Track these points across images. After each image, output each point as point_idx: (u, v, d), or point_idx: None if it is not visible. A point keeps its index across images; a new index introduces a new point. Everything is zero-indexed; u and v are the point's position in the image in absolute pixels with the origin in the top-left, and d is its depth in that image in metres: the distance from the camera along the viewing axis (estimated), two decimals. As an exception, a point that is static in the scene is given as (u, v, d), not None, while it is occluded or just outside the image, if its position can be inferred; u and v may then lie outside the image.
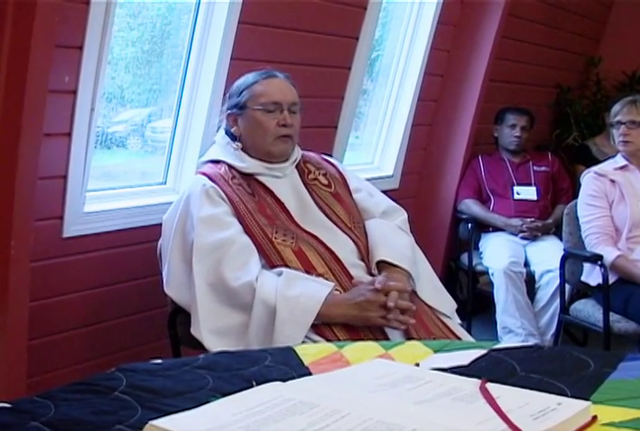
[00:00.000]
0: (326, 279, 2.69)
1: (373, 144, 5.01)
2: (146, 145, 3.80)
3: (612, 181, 3.99)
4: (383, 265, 2.81)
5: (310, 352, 1.73)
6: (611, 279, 3.84)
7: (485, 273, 4.84)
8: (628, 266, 3.81)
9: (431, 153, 5.27)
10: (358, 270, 2.79)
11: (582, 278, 4.03)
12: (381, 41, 4.97)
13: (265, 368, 1.64)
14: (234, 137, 2.94)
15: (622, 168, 4.04)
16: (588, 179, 4.05)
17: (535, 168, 5.16)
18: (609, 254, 3.83)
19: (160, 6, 3.52)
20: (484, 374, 1.55)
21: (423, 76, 4.95)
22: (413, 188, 5.15)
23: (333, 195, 2.96)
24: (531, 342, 4.52)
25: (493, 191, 5.09)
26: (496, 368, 1.67)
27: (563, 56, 6.40)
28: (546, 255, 4.58)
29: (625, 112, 4.04)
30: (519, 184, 5.07)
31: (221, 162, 2.90)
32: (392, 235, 2.94)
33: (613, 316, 3.80)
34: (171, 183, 3.62)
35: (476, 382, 1.48)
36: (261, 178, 2.87)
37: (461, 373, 1.58)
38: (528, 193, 5.05)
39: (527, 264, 4.76)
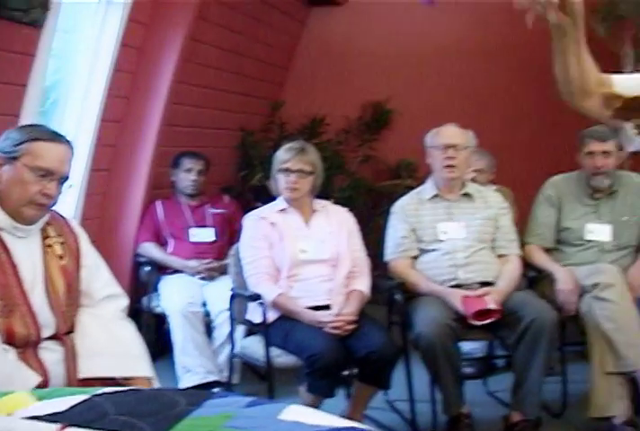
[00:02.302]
0: None
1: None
2: None
3: (272, 224, 4.18)
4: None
5: None
6: (274, 316, 4.02)
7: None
8: (288, 303, 4.01)
9: (111, 197, 5.30)
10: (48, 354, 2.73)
11: (247, 316, 4.20)
12: (58, 85, 4.95)
13: None
14: None
15: (282, 211, 4.24)
16: (250, 221, 4.23)
17: (212, 210, 5.32)
18: (270, 293, 4.01)
19: None
20: (75, 419, 1.63)
21: (100, 122, 4.99)
22: (93, 233, 5.10)
23: (61, 269, 2.83)
24: (210, 379, 4.65)
25: (172, 234, 5.22)
26: (90, 412, 1.75)
27: (246, 100, 6.65)
28: (222, 295, 4.68)
29: (294, 161, 4.20)
30: (196, 226, 5.22)
31: None
32: (123, 339, 2.90)
33: (275, 351, 3.98)
34: None
35: (56, 427, 1.55)
36: (3, 233, 2.72)
37: (55, 420, 1.65)
38: (205, 235, 5.21)
39: (206, 304, 4.89)
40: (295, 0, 6.96)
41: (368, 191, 6.93)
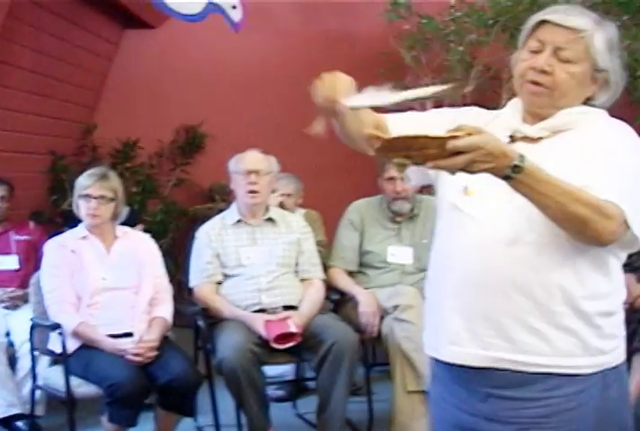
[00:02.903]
0: None
1: None
2: None
3: (73, 251, 4.11)
4: None
5: None
6: (76, 345, 3.96)
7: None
8: (88, 331, 3.95)
9: None
10: None
11: (49, 346, 4.11)
12: None
13: None
14: None
15: (83, 238, 4.18)
16: (50, 249, 4.15)
17: (16, 237, 5.18)
18: (71, 321, 3.95)
19: None
20: None
21: None
22: None
23: None
24: (13, 413, 4.52)
25: (-26, 262, 5.05)
26: None
27: (56, 123, 6.54)
28: (26, 324, 4.57)
29: (95, 187, 4.14)
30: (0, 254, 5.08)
31: None
32: None
33: (77, 381, 3.91)
34: None
35: None
36: None
37: None
38: (8, 262, 5.07)
39: (10, 334, 4.75)
40: (108, 22, 6.88)
41: (181, 215, 6.93)
